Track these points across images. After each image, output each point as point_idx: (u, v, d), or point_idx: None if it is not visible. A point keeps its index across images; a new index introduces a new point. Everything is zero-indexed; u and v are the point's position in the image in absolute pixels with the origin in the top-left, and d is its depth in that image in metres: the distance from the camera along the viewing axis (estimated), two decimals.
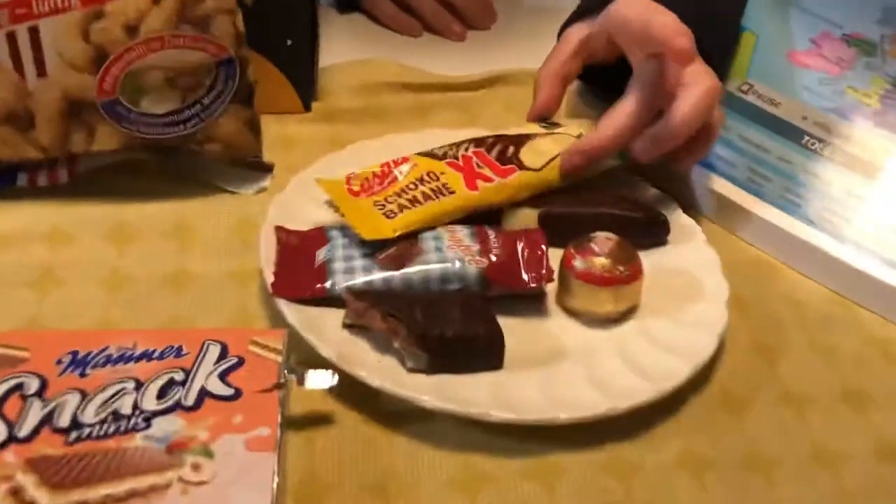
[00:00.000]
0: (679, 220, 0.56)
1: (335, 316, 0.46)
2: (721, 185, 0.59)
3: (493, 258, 0.48)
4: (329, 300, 0.46)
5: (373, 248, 0.48)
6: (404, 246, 0.48)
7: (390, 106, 0.66)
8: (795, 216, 0.57)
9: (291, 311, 0.45)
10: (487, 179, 0.53)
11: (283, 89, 0.64)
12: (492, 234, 0.49)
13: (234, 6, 0.52)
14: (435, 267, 0.47)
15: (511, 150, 0.55)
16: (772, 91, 0.61)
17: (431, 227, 0.50)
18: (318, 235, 0.50)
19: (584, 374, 0.45)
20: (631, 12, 0.54)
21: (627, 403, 0.43)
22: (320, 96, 0.66)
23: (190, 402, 0.40)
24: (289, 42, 0.62)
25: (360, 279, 0.47)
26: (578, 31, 0.59)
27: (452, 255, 0.47)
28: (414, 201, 0.51)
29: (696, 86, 0.52)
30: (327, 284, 0.46)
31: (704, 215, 0.59)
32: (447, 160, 0.54)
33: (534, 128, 0.58)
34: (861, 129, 0.57)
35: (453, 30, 0.78)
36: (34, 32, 0.49)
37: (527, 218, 0.53)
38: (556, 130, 0.57)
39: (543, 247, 0.49)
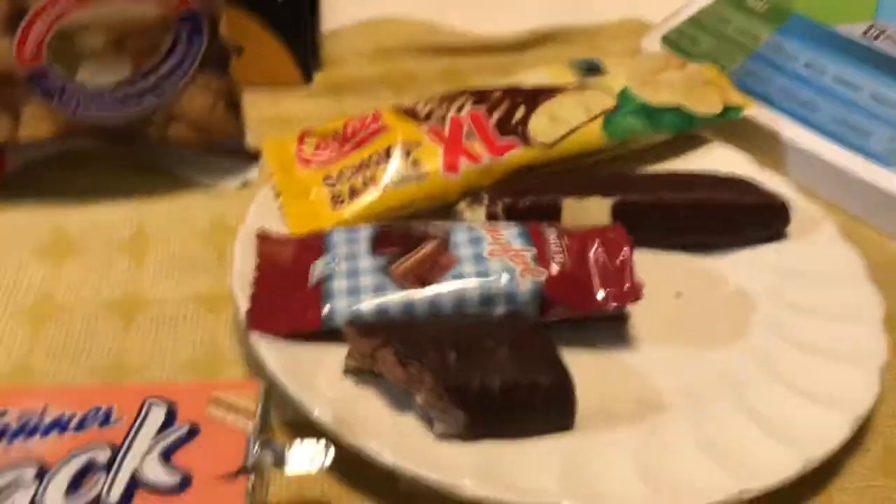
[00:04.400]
0: (798, 205, 0.42)
1: (335, 355, 0.33)
2: (852, 161, 0.44)
3: (555, 268, 0.34)
4: (325, 334, 0.33)
5: (386, 257, 0.35)
6: (429, 252, 0.35)
7: (414, 73, 0.53)
8: None
9: (272, 353, 0.32)
10: (474, 158, 0.41)
11: (277, 56, 0.50)
12: (551, 234, 0.36)
13: None
14: (473, 282, 0.33)
15: (520, 112, 0.42)
16: None
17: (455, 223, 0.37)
18: (314, 243, 0.36)
19: (694, 436, 0.31)
20: None
21: (762, 483, 0.29)
22: (324, 65, 0.53)
23: (115, 497, 0.27)
24: None
25: (368, 303, 0.33)
26: None
27: (498, 266, 0.34)
28: (371, 183, 0.40)
29: None
30: (323, 311, 0.33)
31: (828, 200, 0.45)
32: (430, 124, 0.42)
33: (565, 76, 0.45)
34: None
35: None
36: None
37: (595, 210, 0.40)
38: (592, 83, 0.44)
39: (626, 250, 0.35)
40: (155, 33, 0.39)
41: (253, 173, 0.44)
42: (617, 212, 0.40)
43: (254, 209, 0.39)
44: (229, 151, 0.44)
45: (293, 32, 0.50)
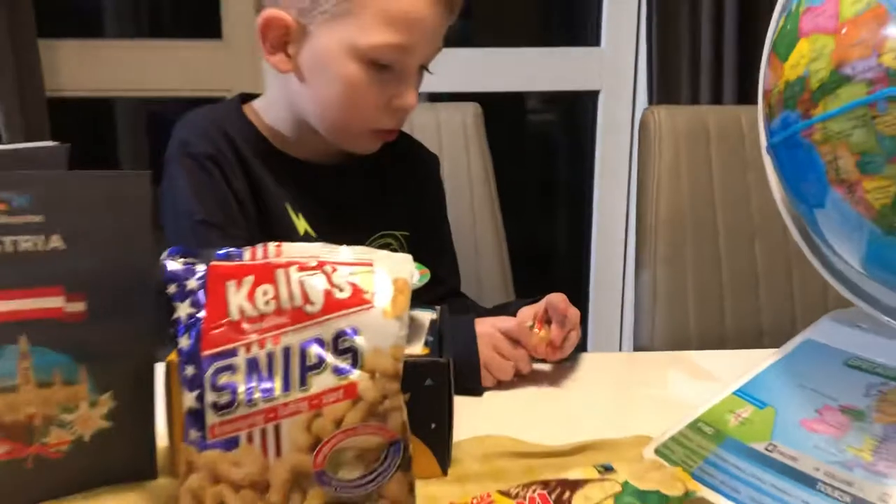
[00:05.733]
0: None
1: None
2: None
3: None
4: None
5: None
6: None
7: (507, 469, 0.90)
8: None
9: None
10: None
11: (427, 459, 0.88)
12: None
13: (402, 404, 0.78)
14: None
15: (567, 494, 0.77)
16: (791, 450, 0.81)
17: None
18: None
19: None
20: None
21: None
22: (453, 464, 0.90)
23: None
24: (433, 426, 0.87)
25: None
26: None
27: None
28: None
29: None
30: None
31: None
32: (518, 500, 0.77)
33: (592, 474, 0.80)
34: (859, 476, 0.76)
35: None
36: (277, 429, 0.76)
37: None
38: (608, 476, 0.80)
39: None
40: (379, 452, 0.77)
41: None
42: None
43: None
44: None
45: (437, 446, 0.88)
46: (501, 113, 2.89)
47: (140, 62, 2.46)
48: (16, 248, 0.75)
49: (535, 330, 1.11)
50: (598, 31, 2.67)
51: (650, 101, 2.44)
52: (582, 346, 1.18)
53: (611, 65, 2.65)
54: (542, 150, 3.17)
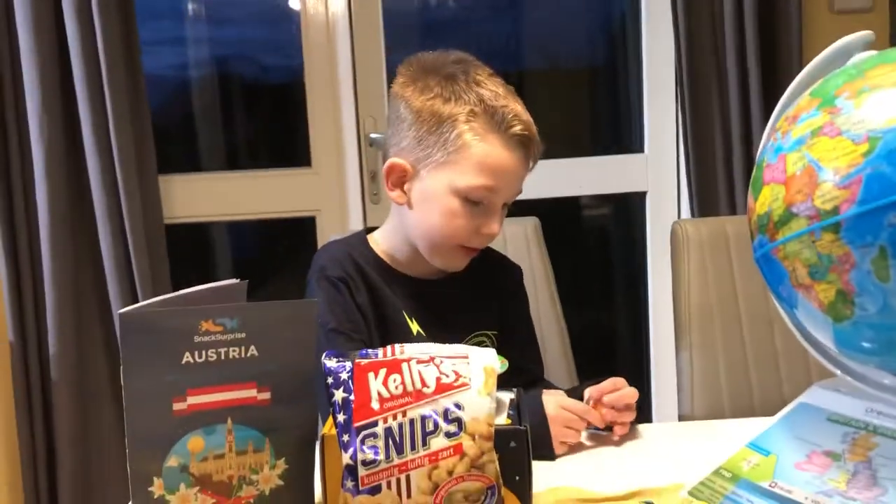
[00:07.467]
0: None
1: None
2: None
3: None
4: None
5: None
6: None
7: None
8: None
9: None
10: None
11: (511, 500, 1.17)
12: None
13: (495, 458, 1.08)
14: None
15: None
16: (788, 485, 1.09)
17: None
18: None
19: None
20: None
21: None
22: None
23: None
24: (517, 478, 1.17)
25: None
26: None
27: None
28: None
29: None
30: None
31: None
32: None
33: None
34: (837, 501, 1.03)
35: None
36: (408, 478, 1.07)
37: None
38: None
39: None
40: (480, 493, 1.07)
41: None
42: None
43: None
44: None
45: (523, 494, 1.17)
46: (561, 212, 3.23)
47: (243, 189, 2.89)
48: (227, 357, 1.09)
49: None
50: (642, 139, 3.01)
51: (690, 199, 2.75)
52: (646, 418, 1.48)
53: (654, 168, 2.98)
54: (599, 243, 3.48)
